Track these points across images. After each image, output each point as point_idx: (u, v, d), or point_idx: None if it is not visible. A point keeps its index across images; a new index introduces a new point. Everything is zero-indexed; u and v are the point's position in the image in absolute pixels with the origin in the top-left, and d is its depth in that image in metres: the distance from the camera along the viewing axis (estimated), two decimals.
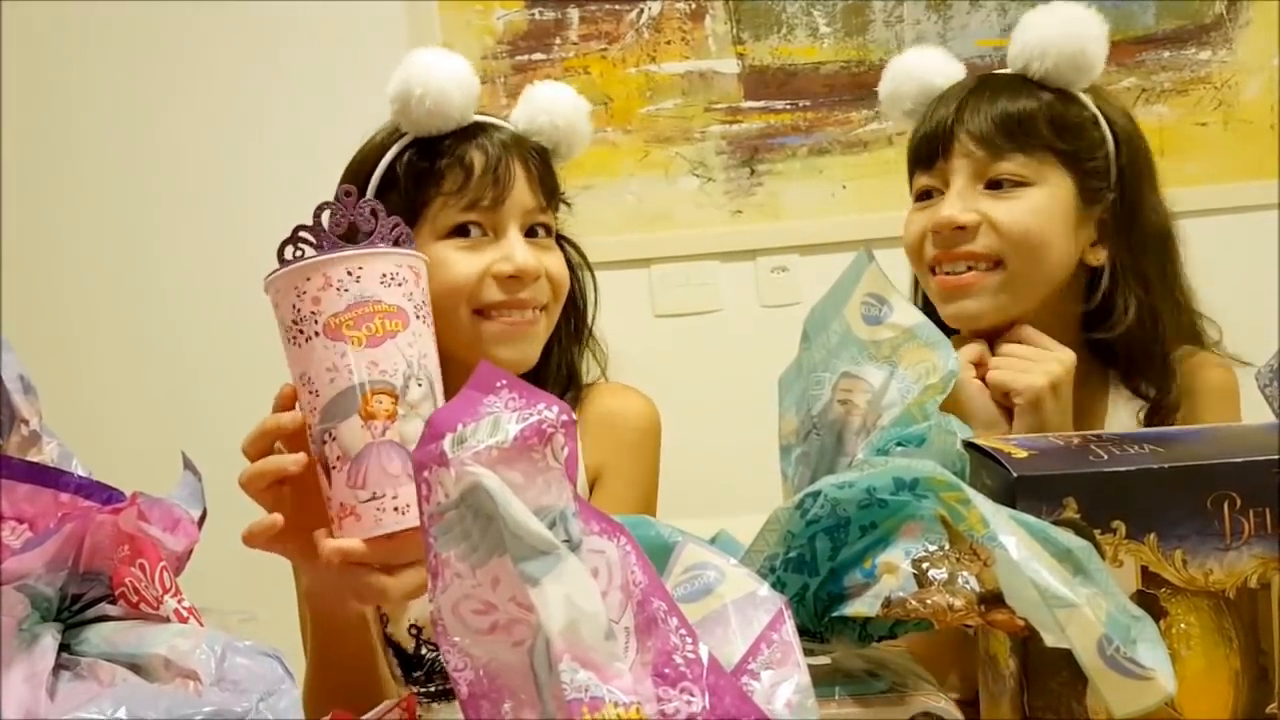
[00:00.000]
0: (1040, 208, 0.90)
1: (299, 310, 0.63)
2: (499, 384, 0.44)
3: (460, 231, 0.93)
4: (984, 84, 0.93)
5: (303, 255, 0.65)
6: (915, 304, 0.99)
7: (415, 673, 1.00)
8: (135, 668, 0.53)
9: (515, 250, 0.92)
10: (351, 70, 1.68)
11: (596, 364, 1.08)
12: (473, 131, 0.95)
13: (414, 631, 1.00)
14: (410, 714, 0.64)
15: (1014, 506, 0.52)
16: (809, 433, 0.67)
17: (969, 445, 0.60)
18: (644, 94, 1.70)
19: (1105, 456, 0.56)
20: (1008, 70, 0.94)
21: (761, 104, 1.70)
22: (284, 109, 1.73)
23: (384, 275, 0.64)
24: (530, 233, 0.95)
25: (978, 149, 0.90)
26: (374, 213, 0.66)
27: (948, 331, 1.00)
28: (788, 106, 1.70)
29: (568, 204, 1.03)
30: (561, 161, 1.02)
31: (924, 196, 0.95)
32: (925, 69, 0.96)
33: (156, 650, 0.53)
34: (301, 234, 0.65)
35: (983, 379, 0.87)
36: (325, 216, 0.65)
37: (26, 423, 0.59)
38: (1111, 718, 0.47)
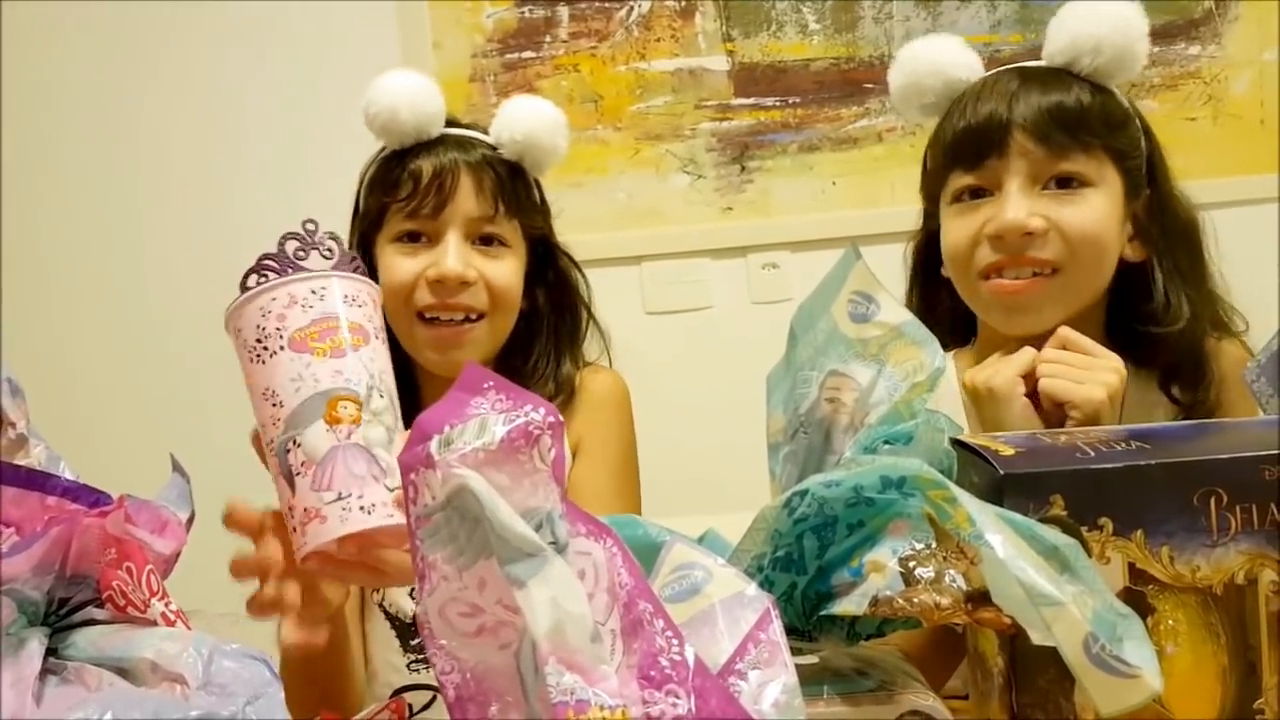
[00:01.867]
0: (1101, 210, 0.87)
1: (263, 329, 0.65)
2: (486, 385, 0.44)
3: (409, 237, 1.00)
4: (1029, 77, 0.88)
5: (266, 280, 0.66)
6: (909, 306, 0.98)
7: (413, 639, 1.01)
8: (122, 671, 0.53)
9: (444, 256, 0.98)
10: (342, 69, 1.67)
11: (606, 353, 1.12)
12: (434, 144, 1.01)
13: (415, 593, 1.01)
14: (400, 716, 0.64)
15: (1001, 504, 0.52)
16: (796, 431, 0.67)
17: (956, 443, 0.60)
18: (634, 91, 1.70)
19: (1092, 454, 0.56)
20: (1040, 63, 0.90)
21: (751, 101, 1.70)
22: (275, 108, 1.73)
23: (346, 295, 0.66)
24: (485, 240, 1.00)
25: (1036, 147, 0.85)
26: (335, 243, 0.68)
27: (964, 335, 0.99)
28: (778, 103, 1.70)
29: (543, 211, 1.06)
30: (538, 173, 1.06)
31: (969, 196, 0.90)
32: (946, 60, 0.91)
33: (143, 654, 0.52)
34: (266, 262, 0.66)
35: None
36: (289, 246, 0.67)
37: (14, 426, 0.59)
38: (1100, 715, 0.47)
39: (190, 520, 0.61)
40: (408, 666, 1.01)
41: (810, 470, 0.66)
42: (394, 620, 1.02)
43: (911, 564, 0.51)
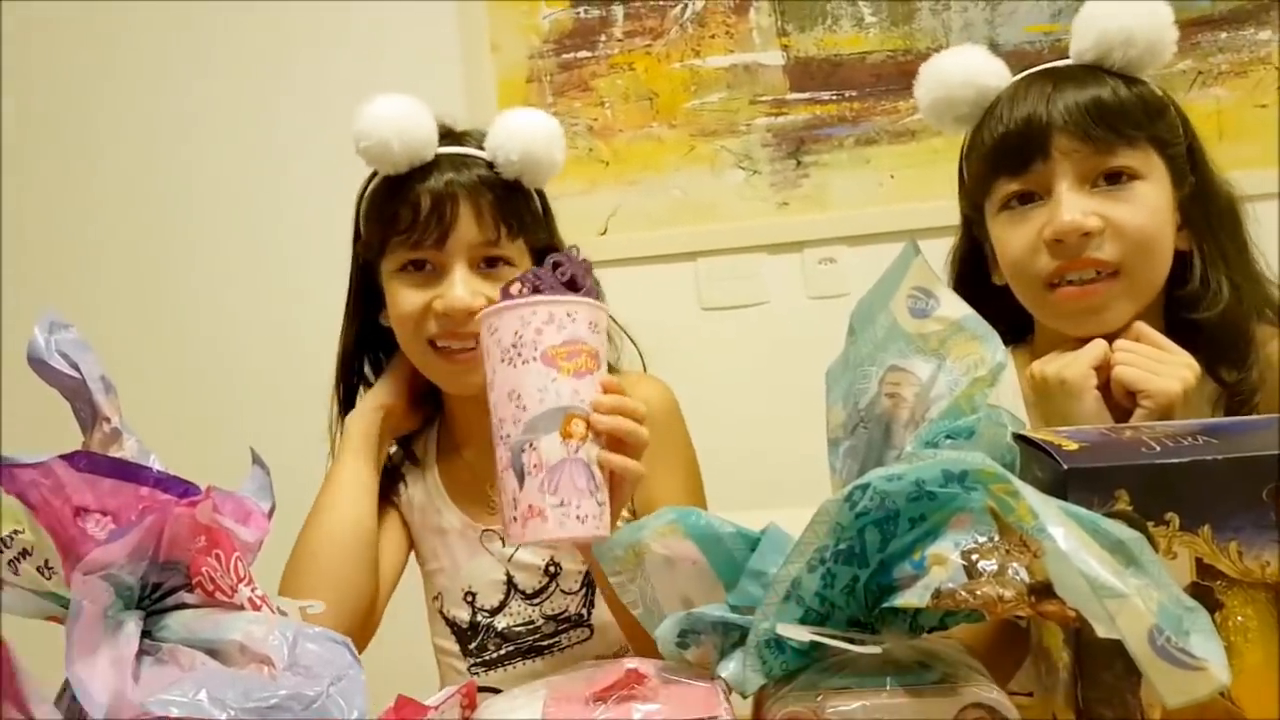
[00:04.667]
0: (1153, 203, 0.86)
1: (521, 336, 0.73)
2: None
3: (414, 265, 0.98)
4: (1062, 76, 0.88)
5: (527, 293, 0.74)
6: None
7: (471, 644, 1.04)
8: (212, 653, 0.56)
9: (450, 289, 0.96)
10: (402, 72, 1.70)
11: (632, 351, 1.09)
12: (430, 169, 0.98)
13: (469, 599, 1.03)
14: (471, 700, 0.66)
15: (1065, 499, 0.52)
16: (856, 426, 0.68)
17: (1019, 437, 0.60)
18: (689, 88, 1.71)
19: (1157, 448, 0.56)
20: (1070, 62, 0.90)
21: (807, 95, 1.70)
22: (334, 112, 1.76)
23: (591, 323, 0.74)
24: (489, 262, 0.98)
25: (1081, 145, 0.85)
26: (588, 270, 0.76)
27: (1016, 336, 0.98)
28: (834, 97, 1.70)
29: (543, 221, 1.02)
30: (537, 186, 1.02)
31: (1017, 202, 0.89)
32: (977, 69, 0.92)
33: (232, 636, 0.55)
34: (530, 276, 0.75)
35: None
36: (556, 267, 0.75)
37: (108, 420, 0.62)
38: (1166, 711, 0.47)
39: (271, 511, 0.64)
40: (469, 670, 1.04)
41: (870, 465, 0.67)
42: (454, 626, 1.05)
43: (974, 557, 0.52)
